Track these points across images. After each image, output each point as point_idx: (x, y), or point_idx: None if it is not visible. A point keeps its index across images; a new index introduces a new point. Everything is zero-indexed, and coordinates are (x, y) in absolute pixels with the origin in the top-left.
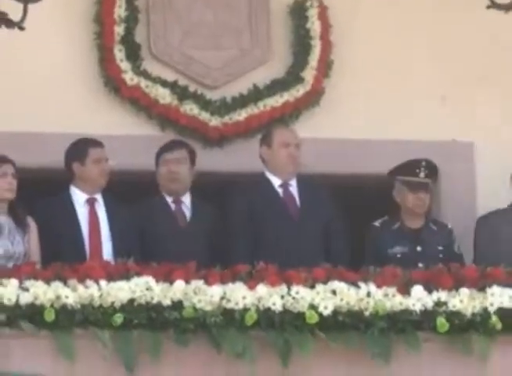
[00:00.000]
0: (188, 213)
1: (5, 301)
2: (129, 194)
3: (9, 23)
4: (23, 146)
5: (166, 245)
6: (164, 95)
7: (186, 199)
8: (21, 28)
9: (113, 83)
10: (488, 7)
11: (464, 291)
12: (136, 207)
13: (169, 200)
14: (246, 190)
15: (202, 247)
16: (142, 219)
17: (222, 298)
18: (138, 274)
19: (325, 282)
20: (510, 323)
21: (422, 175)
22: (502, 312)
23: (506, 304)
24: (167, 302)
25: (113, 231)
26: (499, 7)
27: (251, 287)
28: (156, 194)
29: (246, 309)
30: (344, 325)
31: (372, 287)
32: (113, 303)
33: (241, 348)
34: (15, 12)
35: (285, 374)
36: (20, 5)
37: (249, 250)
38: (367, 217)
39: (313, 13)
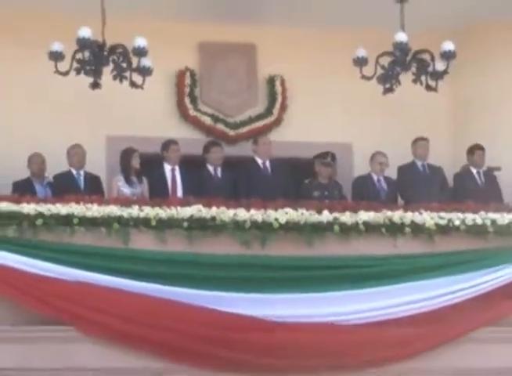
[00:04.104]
0: (220, 175)
1: (133, 215)
2: (188, 166)
3: (136, 86)
4: (142, 143)
5: (208, 190)
6: (207, 120)
7: (219, 168)
8: (142, 88)
9: (183, 114)
10: (361, 77)
11: (347, 213)
12: (195, 172)
13: (210, 168)
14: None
15: (226, 192)
16: (199, 177)
17: (234, 215)
18: (195, 203)
19: (282, 207)
20: (370, 228)
21: (328, 159)
22: (366, 224)
23: (366, 219)
24: (208, 216)
25: (183, 184)
26: (365, 78)
27: (247, 210)
28: (203, 166)
29: (245, 220)
30: (291, 229)
31: (304, 211)
32: (182, 217)
33: (244, 239)
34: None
35: (264, 251)
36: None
37: (247, 191)
38: (302, 177)
39: (278, 82)
